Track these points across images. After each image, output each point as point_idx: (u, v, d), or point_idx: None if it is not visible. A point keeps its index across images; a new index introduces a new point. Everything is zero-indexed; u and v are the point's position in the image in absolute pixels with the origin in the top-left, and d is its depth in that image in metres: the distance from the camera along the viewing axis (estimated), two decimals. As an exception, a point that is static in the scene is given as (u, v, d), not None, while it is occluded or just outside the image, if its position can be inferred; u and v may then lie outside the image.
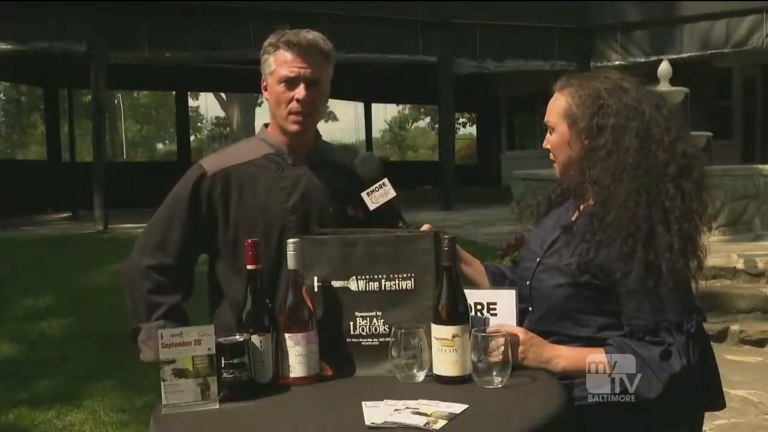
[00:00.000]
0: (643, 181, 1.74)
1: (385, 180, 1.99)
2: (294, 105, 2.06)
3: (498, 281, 2.09)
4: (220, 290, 2.15)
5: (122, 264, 2.17)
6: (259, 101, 27.05)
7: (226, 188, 2.09)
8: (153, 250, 2.10)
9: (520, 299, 1.95)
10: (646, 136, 1.78)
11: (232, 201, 2.09)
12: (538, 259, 1.93)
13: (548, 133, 1.93)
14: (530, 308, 1.93)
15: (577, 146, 1.86)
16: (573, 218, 1.93)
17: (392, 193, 1.98)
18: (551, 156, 1.94)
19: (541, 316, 1.88)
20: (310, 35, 2.07)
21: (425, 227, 1.96)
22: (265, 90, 2.13)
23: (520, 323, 1.85)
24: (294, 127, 2.09)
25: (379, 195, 1.98)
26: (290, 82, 2.05)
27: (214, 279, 2.16)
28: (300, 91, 2.05)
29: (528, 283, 1.93)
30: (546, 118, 1.93)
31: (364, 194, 2.00)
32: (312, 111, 2.09)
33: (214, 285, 2.17)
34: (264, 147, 2.15)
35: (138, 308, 2.09)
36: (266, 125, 2.21)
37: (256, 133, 2.26)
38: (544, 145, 1.95)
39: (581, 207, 1.91)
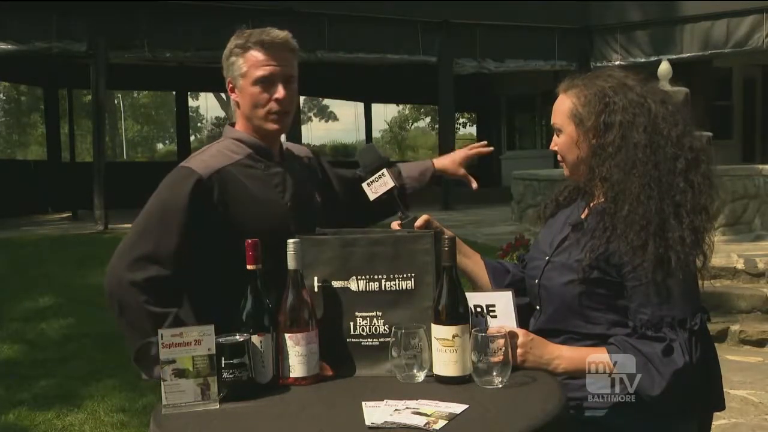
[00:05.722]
0: (653, 175, 1.75)
1: (384, 170, 2.00)
2: (273, 105, 2.05)
3: (499, 276, 2.09)
4: (210, 295, 2.00)
5: (106, 280, 1.94)
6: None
7: (223, 190, 1.99)
8: (145, 263, 1.90)
9: (529, 298, 1.95)
10: (653, 131, 1.79)
11: (231, 203, 2.00)
12: (547, 258, 1.93)
13: (555, 135, 1.93)
14: (537, 307, 1.93)
15: (585, 146, 1.86)
16: (583, 216, 1.93)
17: (391, 183, 1.99)
18: (559, 157, 1.94)
19: (550, 315, 1.88)
20: (282, 33, 2.06)
21: (422, 219, 1.97)
22: (233, 92, 2.09)
23: (521, 324, 1.85)
24: (274, 127, 2.08)
25: (378, 185, 2.00)
26: (267, 82, 2.04)
27: (204, 283, 2.02)
28: (279, 91, 2.04)
29: (537, 281, 1.93)
30: (552, 121, 1.93)
31: (364, 184, 2.01)
32: (290, 109, 2.10)
33: (204, 290, 2.02)
34: (242, 147, 2.08)
35: (141, 324, 1.89)
36: (232, 125, 2.15)
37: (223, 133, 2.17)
38: (551, 147, 1.95)
39: (591, 205, 1.92)
